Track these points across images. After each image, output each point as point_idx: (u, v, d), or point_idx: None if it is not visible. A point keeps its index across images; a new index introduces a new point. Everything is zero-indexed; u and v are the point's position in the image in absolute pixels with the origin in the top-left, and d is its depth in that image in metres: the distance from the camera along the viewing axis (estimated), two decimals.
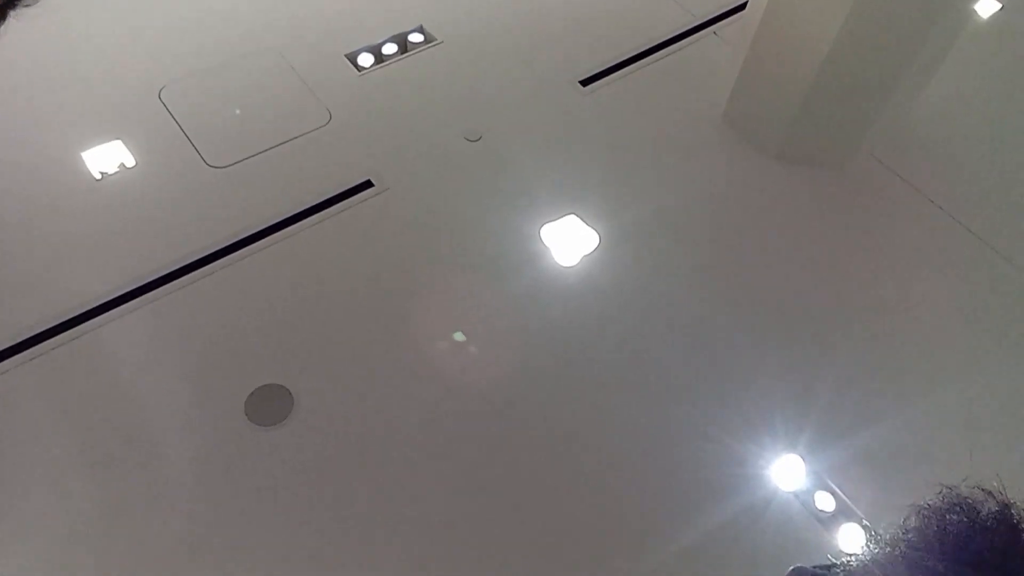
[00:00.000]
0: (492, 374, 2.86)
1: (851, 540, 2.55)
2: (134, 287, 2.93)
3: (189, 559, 2.38)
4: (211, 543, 2.42)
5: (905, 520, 0.61)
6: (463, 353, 2.90)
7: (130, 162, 3.28)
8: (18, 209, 3.13)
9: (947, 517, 0.60)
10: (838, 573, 0.63)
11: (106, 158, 3.28)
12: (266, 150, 3.38)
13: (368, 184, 3.31)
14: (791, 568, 0.72)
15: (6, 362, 2.73)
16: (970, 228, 3.28)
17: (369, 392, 2.76)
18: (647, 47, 3.94)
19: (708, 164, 3.54)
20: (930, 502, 0.62)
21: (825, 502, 2.62)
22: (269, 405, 2.69)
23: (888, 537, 0.60)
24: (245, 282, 3.00)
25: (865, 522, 2.57)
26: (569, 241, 3.21)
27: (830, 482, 2.64)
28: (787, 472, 2.67)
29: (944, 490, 0.61)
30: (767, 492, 2.65)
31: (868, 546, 0.61)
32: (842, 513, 2.60)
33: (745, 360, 2.93)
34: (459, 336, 2.91)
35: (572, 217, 3.26)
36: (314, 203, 3.23)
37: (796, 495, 2.64)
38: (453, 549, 2.46)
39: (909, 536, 0.59)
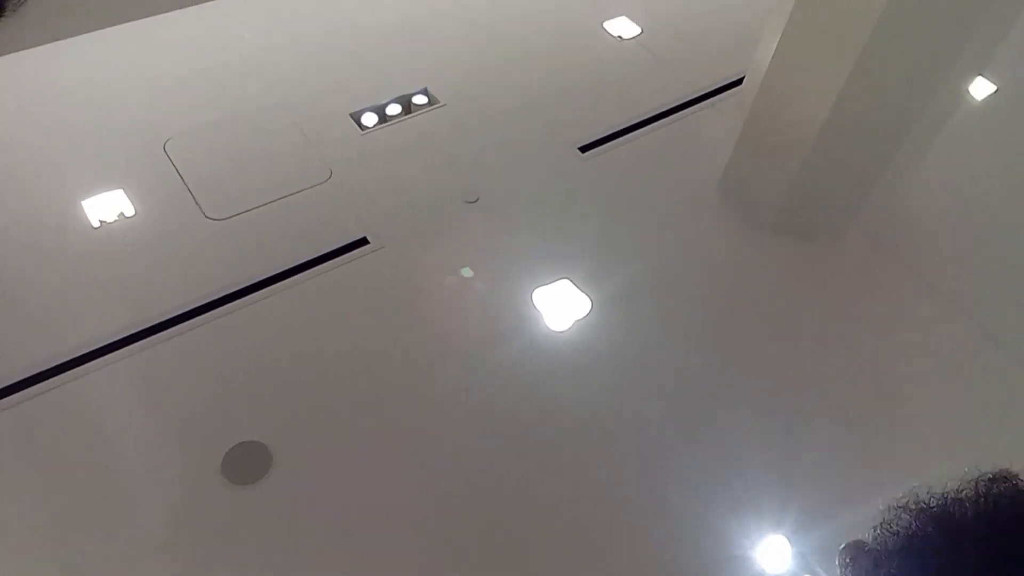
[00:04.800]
0: (480, 439, 2.82)
1: None
2: (123, 336, 2.93)
3: None
4: None
5: (954, 486, 0.65)
6: (452, 416, 2.87)
7: (130, 211, 3.32)
8: (14, 254, 3.15)
9: (995, 486, 0.65)
10: (888, 535, 0.66)
11: (107, 206, 3.32)
12: (265, 204, 3.42)
13: (364, 241, 3.33)
14: (844, 544, 0.74)
15: None
16: (961, 309, 3.27)
17: (352, 456, 2.72)
18: (646, 116, 4.01)
19: (703, 233, 3.56)
20: (982, 473, 0.67)
21: None
22: (247, 462, 2.65)
23: (937, 498, 0.64)
24: (234, 335, 3.00)
25: None
26: (561, 306, 3.21)
27: (816, 567, 2.57)
28: (773, 554, 2.61)
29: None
30: (753, 574, 2.58)
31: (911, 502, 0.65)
32: None
33: (732, 435, 2.89)
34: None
35: (565, 282, 3.27)
36: (309, 258, 3.25)
37: None
38: None
39: (959, 497, 0.64)
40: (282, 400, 2.84)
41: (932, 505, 0.67)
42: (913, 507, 0.66)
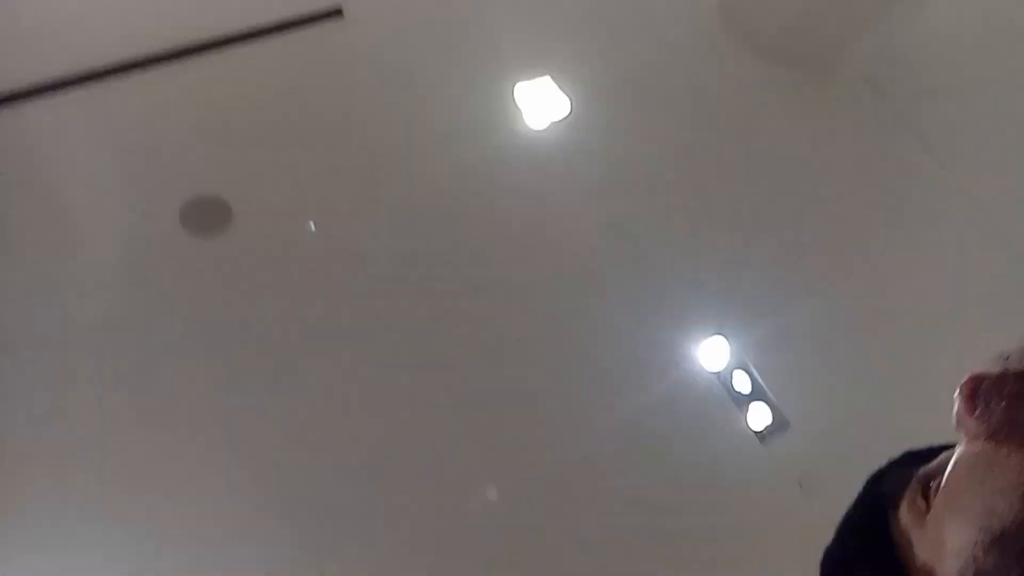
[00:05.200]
0: (445, 225, 2.84)
1: (759, 420, 2.68)
2: (75, 75, 2.80)
3: (108, 345, 2.39)
4: (134, 341, 2.43)
5: None
6: (417, 206, 2.87)
7: None
8: None
9: None
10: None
11: None
12: None
13: (337, 12, 3.17)
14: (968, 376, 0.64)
15: None
16: (929, 149, 3.31)
17: (312, 210, 2.73)
18: None
19: (695, 51, 3.47)
20: None
21: (742, 383, 2.73)
22: (206, 215, 2.64)
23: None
24: (197, 89, 2.89)
25: (774, 402, 2.69)
26: (541, 104, 3.16)
27: (748, 362, 2.75)
28: (711, 352, 2.76)
29: None
30: (690, 372, 2.73)
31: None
32: (756, 394, 2.72)
33: (688, 241, 2.98)
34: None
35: (547, 79, 3.19)
36: (279, 21, 3.10)
37: (716, 375, 2.74)
38: (393, 373, 2.52)
39: None
40: (245, 161, 2.80)
41: None
42: None
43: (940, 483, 0.58)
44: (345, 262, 2.68)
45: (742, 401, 2.70)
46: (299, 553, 2.39)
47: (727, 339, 2.78)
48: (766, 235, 3.05)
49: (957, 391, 0.61)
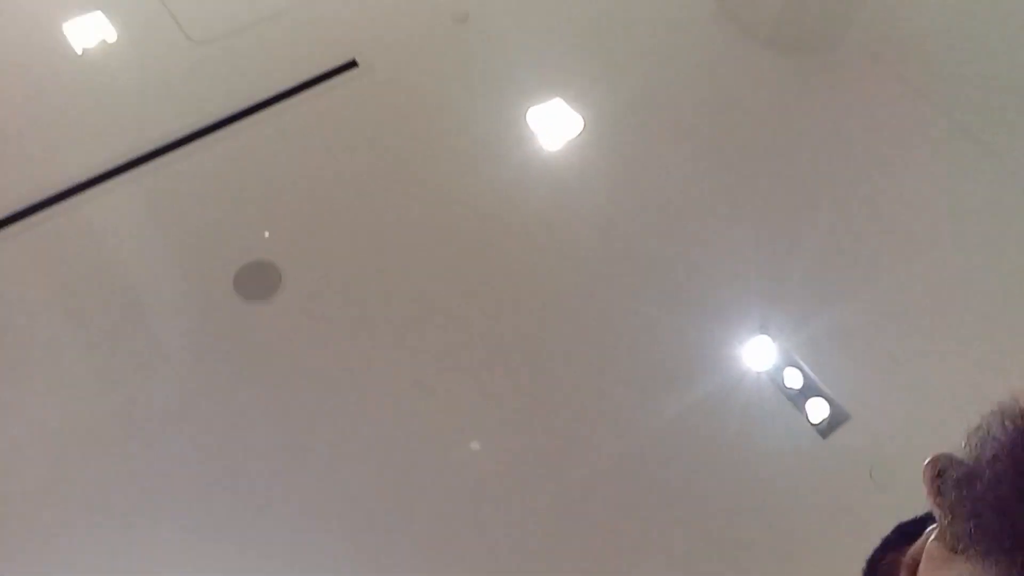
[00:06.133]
0: (474, 254, 2.88)
1: (816, 413, 2.62)
2: (118, 164, 2.93)
3: (176, 425, 2.45)
4: (198, 408, 2.49)
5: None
6: (446, 235, 2.91)
7: (111, 36, 3.23)
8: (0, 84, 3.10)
9: None
10: (982, 441, 0.59)
11: (87, 31, 3.22)
12: (249, 25, 3.32)
13: (353, 64, 3.27)
14: (930, 457, 0.65)
15: None
16: (951, 118, 3.25)
17: (355, 269, 2.80)
18: None
19: (699, 50, 3.48)
20: None
21: (793, 379, 2.68)
22: (257, 280, 2.72)
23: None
24: (229, 161, 3.00)
25: (830, 395, 2.64)
26: (554, 125, 3.19)
27: (798, 359, 2.70)
28: (757, 352, 2.73)
29: None
30: (738, 371, 2.71)
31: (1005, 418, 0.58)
32: (809, 389, 2.66)
33: (723, 243, 2.95)
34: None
35: (558, 100, 3.23)
36: (299, 82, 3.20)
37: (766, 373, 2.70)
38: (436, 415, 2.54)
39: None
40: (286, 222, 2.87)
41: None
42: (1008, 410, 0.60)
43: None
44: (384, 292, 2.73)
45: (796, 397, 2.65)
46: None
47: (772, 338, 2.74)
48: (799, 226, 3.02)
49: (925, 464, 0.62)
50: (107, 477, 2.35)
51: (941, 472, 0.61)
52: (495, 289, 2.81)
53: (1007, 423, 0.58)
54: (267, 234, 2.78)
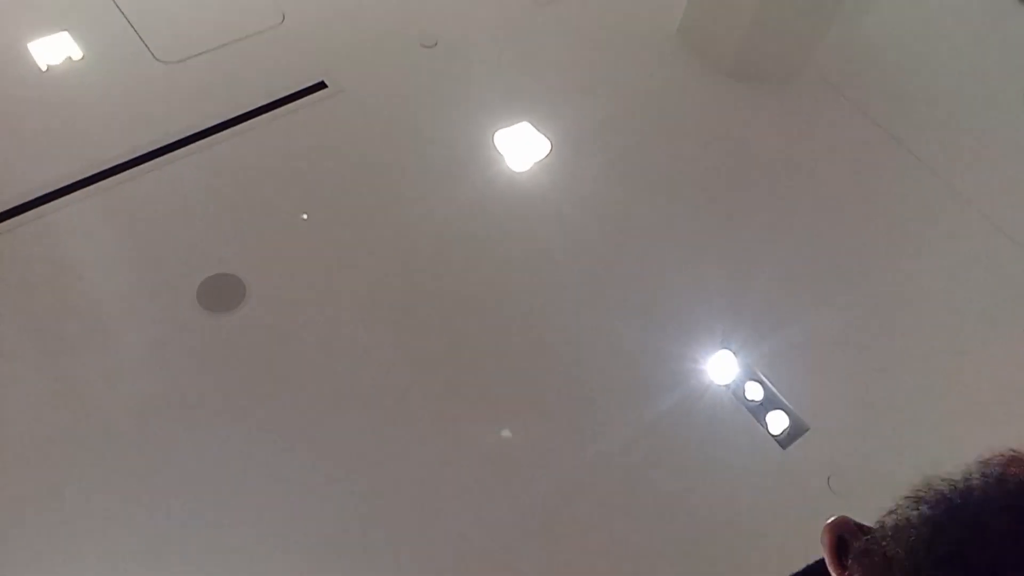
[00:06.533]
0: (441, 275, 2.93)
1: (776, 425, 2.72)
2: (83, 176, 2.91)
3: (142, 430, 2.44)
4: (164, 414, 2.48)
5: (967, 471, 0.63)
6: (412, 255, 2.96)
7: (77, 54, 3.22)
8: None
9: (1010, 467, 0.62)
10: (887, 530, 0.64)
11: (52, 50, 3.20)
12: (216, 48, 3.34)
13: (322, 85, 3.30)
14: (830, 522, 0.69)
15: None
16: (908, 148, 3.42)
17: (317, 283, 2.82)
18: None
19: (661, 78, 3.60)
20: (994, 455, 0.64)
21: (754, 392, 2.78)
22: (221, 293, 2.73)
23: (949, 482, 0.62)
24: (197, 176, 3.00)
25: (789, 407, 2.74)
26: (521, 147, 3.27)
27: (759, 373, 2.81)
28: (720, 366, 2.83)
29: (1009, 451, 0.64)
30: (701, 385, 2.80)
31: (924, 492, 0.63)
32: (769, 401, 2.77)
33: (686, 263, 3.06)
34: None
35: (525, 123, 3.31)
36: (267, 101, 3.22)
37: (728, 387, 2.80)
38: (400, 426, 2.57)
39: (971, 484, 0.62)
40: (248, 236, 2.89)
41: (939, 491, 0.63)
42: (921, 495, 0.64)
43: None
44: (358, 307, 2.76)
45: (757, 410, 2.75)
46: None
47: (734, 352, 2.84)
48: (760, 246, 3.14)
49: (824, 528, 0.67)
50: (67, 488, 2.32)
51: (840, 539, 0.66)
52: (463, 305, 2.86)
53: (922, 508, 0.62)
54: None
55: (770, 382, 2.79)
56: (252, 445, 2.47)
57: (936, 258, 3.16)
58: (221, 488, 2.38)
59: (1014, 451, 0.65)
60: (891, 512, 0.65)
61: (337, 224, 2.97)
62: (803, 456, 2.67)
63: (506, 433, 2.57)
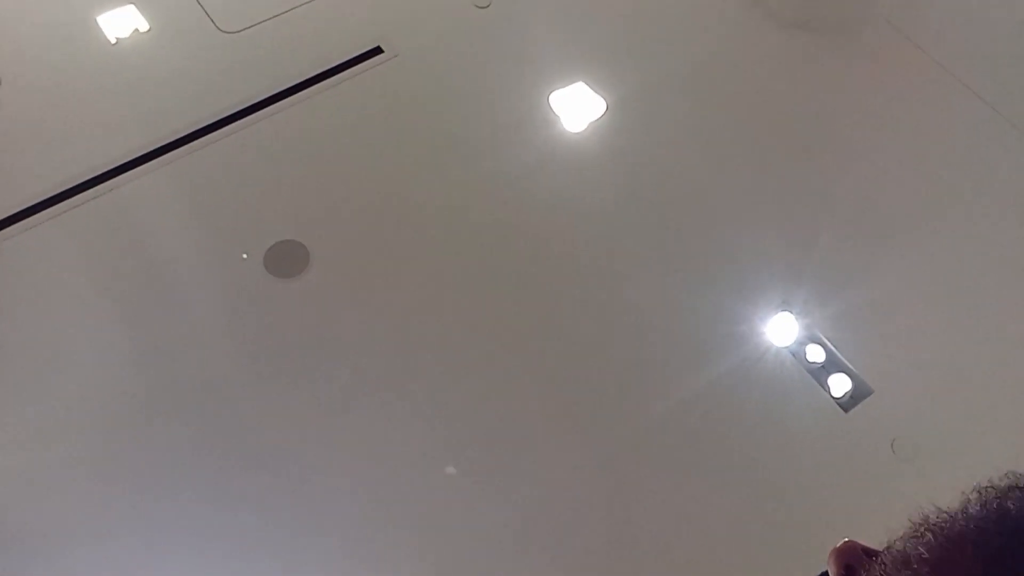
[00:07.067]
0: (501, 238, 2.95)
1: (839, 387, 2.68)
2: (153, 148, 3.02)
3: (214, 395, 2.57)
4: (234, 379, 2.60)
5: (965, 500, 0.62)
6: (474, 218, 2.98)
7: (144, 26, 3.31)
8: (38, 72, 3.18)
9: (1008, 497, 0.60)
10: (887, 566, 0.62)
11: (120, 22, 3.30)
12: (277, 15, 3.38)
13: (378, 51, 3.32)
14: (839, 546, 0.69)
15: (32, 218, 2.86)
16: (980, 95, 3.25)
17: (381, 251, 2.88)
18: None
19: (721, 31, 3.50)
20: (992, 483, 0.62)
21: (815, 354, 2.74)
22: (286, 258, 2.81)
23: (947, 515, 0.61)
24: (259, 146, 3.07)
25: (852, 370, 2.69)
26: (577, 108, 3.23)
27: (821, 335, 2.76)
28: (780, 328, 2.79)
29: (1008, 473, 0.62)
30: (761, 347, 2.77)
31: (923, 526, 0.61)
32: (831, 364, 2.72)
33: (746, 222, 3.00)
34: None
35: (581, 84, 3.27)
36: (325, 68, 3.26)
37: (788, 349, 2.76)
38: (458, 397, 2.63)
39: (970, 513, 0.60)
40: (313, 204, 2.96)
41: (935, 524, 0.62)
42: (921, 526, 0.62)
43: None
44: (415, 274, 2.82)
45: (819, 372, 2.71)
46: None
47: (794, 314, 2.79)
48: (821, 204, 3.05)
49: (831, 552, 0.65)
50: (141, 450, 2.46)
51: (848, 567, 0.64)
52: (521, 269, 2.88)
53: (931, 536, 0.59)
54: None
55: (832, 344, 2.74)
56: (314, 411, 2.57)
57: (1014, 216, 3.02)
58: (284, 455, 2.48)
59: (1013, 477, 0.63)
60: (889, 547, 0.64)
61: (395, 188, 3.01)
62: (866, 420, 2.63)
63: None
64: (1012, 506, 0.58)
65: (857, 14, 3.40)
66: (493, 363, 2.68)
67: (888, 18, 3.44)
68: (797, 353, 2.74)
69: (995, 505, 0.59)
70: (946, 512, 0.61)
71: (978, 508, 0.60)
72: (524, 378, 2.67)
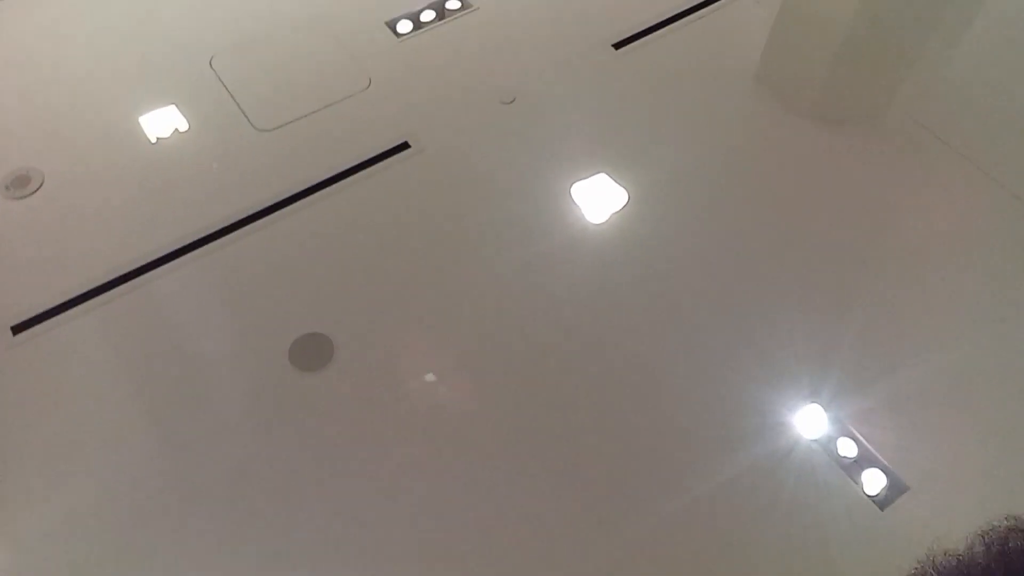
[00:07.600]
0: (524, 327, 2.97)
1: (873, 484, 2.60)
2: (187, 243, 3.13)
3: (241, 490, 2.57)
4: (261, 474, 2.60)
5: (970, 543, 0.62)
6: (496, 308, 3.01)
7: (184, 126, 3.47)
8: (81, 170, 3.35)
9: (1010, 539, 0.61)
10: None
11: (161, 123, 3.47)
12: (309, 114, 3.54)
13: (405, 146, 3.44)
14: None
15: (68, 312, 2.95)
16: (1003, 185, 3.25)
17: (405, 342, 2.91)
18: (680, 9, 3.96)
19: (740, 124, 3.57)
20: (995, 525, 0.63)
21: (847, 448, 2.67)
22: (311, 352, 2.85)
23: (952, 558, 0.61)
24: (288, 239, 3.17)
25: (887, 466, 2.61)
26: (599, 199, 3.29)
27: (852, 429, 2.69)
28: (809, 420, 2.73)
29: (1007, 516, 0.62)
30: (789, 440, 2.71)
31: (930, 566, 0.62)
32: (864, 459, 2.65)
33: (770, 312, 2.98)
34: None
35: (602, 175, 3.34)
36: (354, 163, 3.38)
37: (818, 442, 2.70)
38: (479, 498, 2.60)
39: (975, 554, 0.61)
40: (339, 296, 3.02)
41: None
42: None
43: None
44: (443, 361, 2.83)
45: (851, 467, 2.63)
46: None
47: (823, 406, 2.74)
48: (849, 293, 3.04)
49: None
50: (170, 544, 2.46)
51: None
52: (546, 356, 2.88)
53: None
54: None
55: (864, 438, 2.67)
56: (345, 505, 2.55)
57: None
58: (309, 542, 2.46)
59: (1014, 520, 0.63)
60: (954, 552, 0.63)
61: (421, 279, 3.07)
62: (903, 518, 2.53)
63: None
64: (1013, 547, 0.61)
65: (878, 108, 3.45)
66: (510, 453, 2.66)
67: (910, 113, 3.49)
68: (827, 447, 2.67)
69: (997, 547, 0.62)
70: (951, 555, 0.61)
71: (982, 550, 0.63)
72: (540, 475, 2.63)
